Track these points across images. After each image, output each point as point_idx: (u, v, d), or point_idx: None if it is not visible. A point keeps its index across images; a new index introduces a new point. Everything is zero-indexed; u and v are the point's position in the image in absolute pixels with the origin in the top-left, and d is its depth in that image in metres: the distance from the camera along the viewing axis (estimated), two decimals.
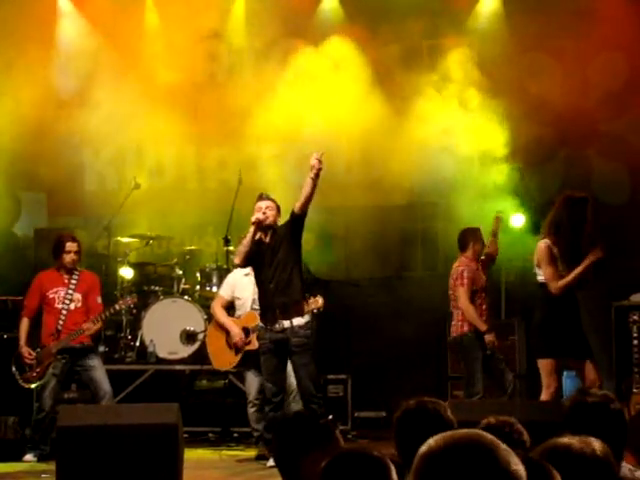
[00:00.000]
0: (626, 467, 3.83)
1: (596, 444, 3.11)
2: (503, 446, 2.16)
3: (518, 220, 11.28)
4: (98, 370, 9.41)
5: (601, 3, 11.26)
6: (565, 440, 3.10)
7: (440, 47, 12.19)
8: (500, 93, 11.36)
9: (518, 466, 2.14)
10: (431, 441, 2.18)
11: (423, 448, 2.18)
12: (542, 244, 7.90)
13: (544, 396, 7.86)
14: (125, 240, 11.58)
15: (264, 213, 8.60)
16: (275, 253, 8.57)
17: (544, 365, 7.90)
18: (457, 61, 11.75)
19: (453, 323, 9.58)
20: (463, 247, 9.67)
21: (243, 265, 8.79)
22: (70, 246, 9.52)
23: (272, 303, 8.54)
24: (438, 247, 12.35)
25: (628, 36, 11.21)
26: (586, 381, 7.86)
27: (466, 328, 9.43)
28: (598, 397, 4.04)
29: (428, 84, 11.70)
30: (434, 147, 11.37)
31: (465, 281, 9.42)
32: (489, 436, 2.17)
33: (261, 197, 8.80)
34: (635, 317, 9.20)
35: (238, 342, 9.41)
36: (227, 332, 9.55)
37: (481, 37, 12.07)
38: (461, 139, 11.49)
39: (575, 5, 11.44)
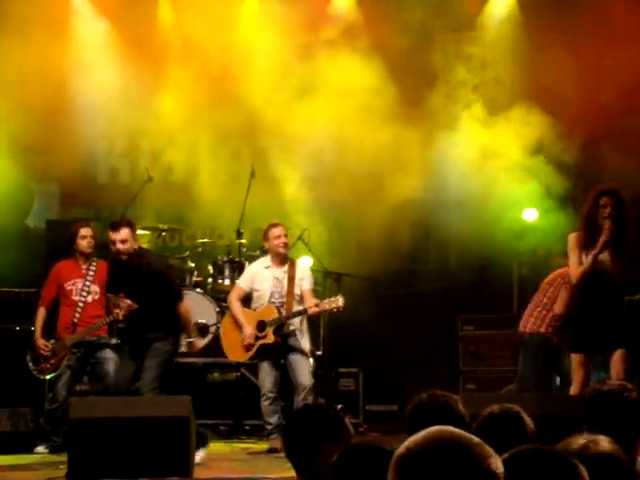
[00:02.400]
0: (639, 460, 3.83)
1: (605, 442, 3.09)
2: (476, 440, 2.12)
3: (530, 214, 11.27)
4: (112, 363, 9.40)
5: None
6: (575, 440, 3.08)
7: (453, 42, 12.18)
8: (514, 88, 11.34)
9: (492, 459, 2.10)
10: (401, 448, 2.14)
11: (395, 454, 2.15)
12: (573, 234, 7.97)
13: (573, 389, 7.92)
14: (137, 232, 11.59)
15: (122, 242, 8.65)
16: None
17: (573, 358, 7.98)
18: (470, 56, 11.74)
19: (532, 319, 9.34)
20: None
21: None
22: (85, 231, 9.53)
23: None
24: (450, 241, 12.34)
25: None
26: (612, 374, 7.85)
27: (543, 329, 9.22)
28: (614, 387, 4.04)
29: (440, 77, 11.69)
30: (446, 140, 11.36)
31: None
32: (460, 432, 2.14)
33: (113, 226, 8.82)
34: None
35: (246, 343, 9.42)
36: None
37: (495, 31, 12.05)
38: (473, 133, 11.47)
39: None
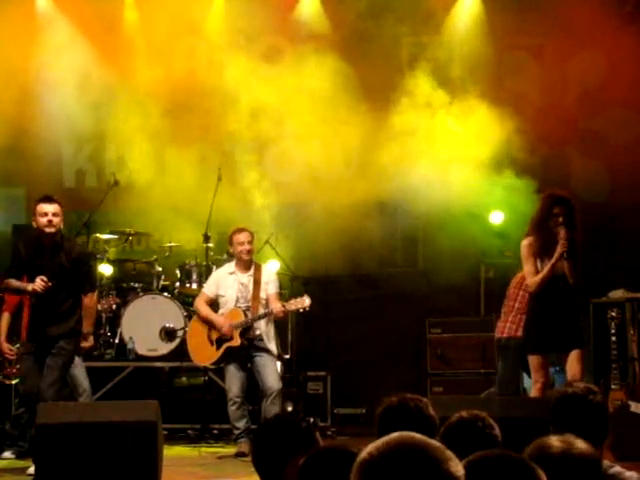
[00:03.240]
0: (604, 463, 3.85)
1: (580, 443, 3.10)
2: (436, 444, 2.15)
3: (497, 217, 11.32)
4: (78, 367, 9.33)
5: (579, 1, 11.30)
6: (549, 441, 3.09)
7: (420, 45, 12.21)
8: (479, 91, 11.39)
9: (452, 462, 2.13)
10: (363, 453, 2.17)
11: (357, 460, 2.17)
12: (524, 241, 8.04)
13: (533, 392, 8.00)
14: (104, 237, 11.54)
15: (54, 215, 8.36)
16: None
17: (531, 360, 8.04)
18: (436, 59, 11.79)
19: (508, 324, 9.40)
20: None
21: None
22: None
23: None
24: (418, 243, 12.36)
25: (606, 34, 11.25)
26: (568, 375, 7.95)
27: (520, 333, 9.09)
28: (580, 389, 4.07)
29: (406, 80, 11.72)
30: (412, 143, 11.39)
31: None
32: (421, 437, 2.16)
33: (47, 199, 8.50)
34: (613, 314, 9.27)
35: (227, 331, 9.38)
36: (209, 327, 9.55)
37: (461, 35, 12.10)
38: (439, 135, 11.50)
39: (554, 3, 11.49)
